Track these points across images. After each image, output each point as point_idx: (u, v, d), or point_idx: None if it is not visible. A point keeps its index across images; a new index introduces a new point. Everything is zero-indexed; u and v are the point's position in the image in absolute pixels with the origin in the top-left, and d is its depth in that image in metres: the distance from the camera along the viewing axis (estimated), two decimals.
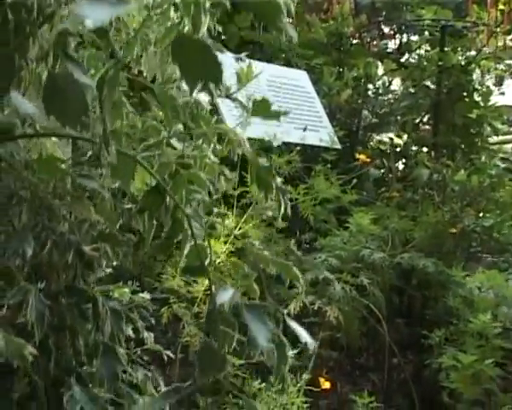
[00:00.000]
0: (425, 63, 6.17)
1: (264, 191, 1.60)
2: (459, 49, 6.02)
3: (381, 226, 4.60)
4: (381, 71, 6.42)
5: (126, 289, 1.76)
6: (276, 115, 1.63)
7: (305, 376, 3.72)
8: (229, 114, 4.72)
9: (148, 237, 1.46)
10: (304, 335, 1.59)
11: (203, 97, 1.50)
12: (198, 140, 1.50)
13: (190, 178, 1.45)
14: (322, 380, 3.65)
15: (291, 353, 3.91)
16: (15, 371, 1.22)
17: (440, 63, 5.87)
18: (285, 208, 1.62)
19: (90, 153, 1.36)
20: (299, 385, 3.69)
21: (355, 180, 4.83)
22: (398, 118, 6.18)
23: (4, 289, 1.19)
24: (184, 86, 1.39)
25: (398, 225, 4.64)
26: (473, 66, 6.00)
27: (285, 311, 1.57)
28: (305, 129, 4.36)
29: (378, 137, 6.53)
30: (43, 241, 1.24)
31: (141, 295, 1.98)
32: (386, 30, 7.70)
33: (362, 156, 5.14)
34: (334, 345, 4.30)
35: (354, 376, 4.78)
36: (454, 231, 4.52)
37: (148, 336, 1.81)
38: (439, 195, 4.86)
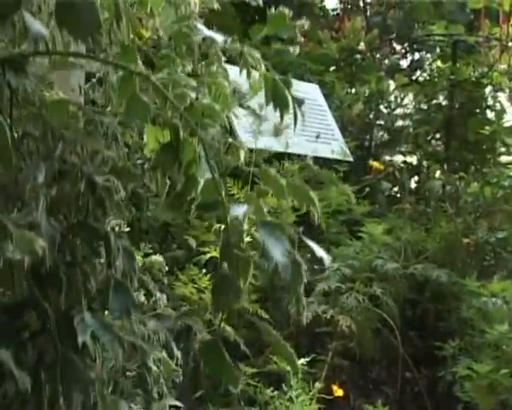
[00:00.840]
0: (436, 79, 6.16)
1: (280, 108, 1.55)
2: (471, 64, 6.00)
3: (394, 237, 4.56)
4: (392, 87, 6.41)
5: (139, 256, 1.73)
6: (291, 28, 1.57)
7: (318, 384, 3.68)
8: (241, 126, 4.73)
9: (161, 195, 1.43)
10: (320, 252, 1.54)
11: (217, 36, 1.46)
12: (211, 66, 1.45)
13: (205, 111, 1.41)
14: (334, 388, 3.61)
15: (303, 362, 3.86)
16: (27, 306, 1.19)
17: (452, 77, 5.86)
18: (302, 121, 1.57)
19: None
20: (311, 394, 3.65)
21: (367, 189, 4.80)
22: (411, 130, 6.15)
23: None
24: (198, 25, 1.37)
25: (411, 236, 4.61)
26: (485, 80, 5.98)
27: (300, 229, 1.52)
28: (317, 136, 4.34)
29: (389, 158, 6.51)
30: (55, 170, 1.22)
31: (154, 257, 1.96)
32: (397, 48, 7.71)
33: (375, 163, 5.11)
34: (347, 355, 4.25)
35: (367, 389, 4.72)
36: (467, 241, 4.48)
37: (161, 298, 1.78)
38: (452, 206, 4.82)
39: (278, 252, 1.40)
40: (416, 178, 6.34)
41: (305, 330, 4.20)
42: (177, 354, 1.73)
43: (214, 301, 1.44)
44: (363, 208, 4.78)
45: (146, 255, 1.98)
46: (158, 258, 2.00)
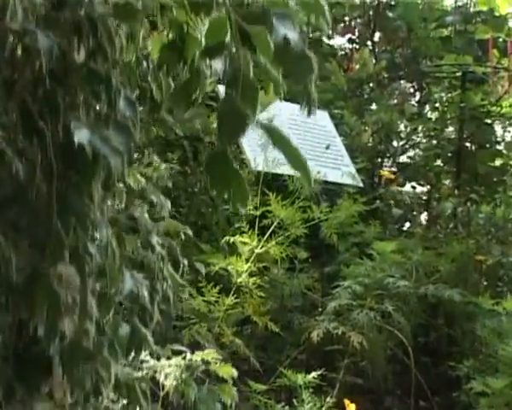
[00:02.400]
0: (446, 108, 6.17)
1: None
2: (480, 94, 6.00)
3: (405, 257, 4.51)
4: (402, 118, 6.40)
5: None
6: None
7: (329, 399, 3.61)
8: (249, 145, 4.73)
9: (165, 96, 1.40)
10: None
11: None
12: None
13: None
14: (347, 402, 3.52)
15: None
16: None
17: (462, 105, 5.86)
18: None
19: None
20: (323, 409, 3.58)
21: (377, 202, 4.76)
22: (421, 154, 6.13)
23: None
24: None
25: (422, 257, 4.55)
26: (494, 109, 5.99)
27: None
28: (327, 147, 4.32)
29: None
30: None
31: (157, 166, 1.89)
32: (406, 86, 7.72)
33: (385, 172, 5.05)
34: (359, 373, 4.17)
35: None
36: (480, 258, 4.42)
37: (165, 204, 1.70)
38: (464, 228, 4.77)
39: (289, 30, 1.33)
40: (425, 213, 6.30)
41: (315, 349, 4.13)
42: (184, 262, 1.66)
43: (220, 130, 1.34)
44: (373, 229, 4.73)
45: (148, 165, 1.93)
46: (161, 165, 1.95)
